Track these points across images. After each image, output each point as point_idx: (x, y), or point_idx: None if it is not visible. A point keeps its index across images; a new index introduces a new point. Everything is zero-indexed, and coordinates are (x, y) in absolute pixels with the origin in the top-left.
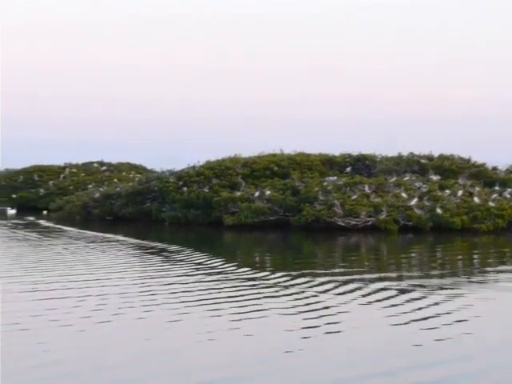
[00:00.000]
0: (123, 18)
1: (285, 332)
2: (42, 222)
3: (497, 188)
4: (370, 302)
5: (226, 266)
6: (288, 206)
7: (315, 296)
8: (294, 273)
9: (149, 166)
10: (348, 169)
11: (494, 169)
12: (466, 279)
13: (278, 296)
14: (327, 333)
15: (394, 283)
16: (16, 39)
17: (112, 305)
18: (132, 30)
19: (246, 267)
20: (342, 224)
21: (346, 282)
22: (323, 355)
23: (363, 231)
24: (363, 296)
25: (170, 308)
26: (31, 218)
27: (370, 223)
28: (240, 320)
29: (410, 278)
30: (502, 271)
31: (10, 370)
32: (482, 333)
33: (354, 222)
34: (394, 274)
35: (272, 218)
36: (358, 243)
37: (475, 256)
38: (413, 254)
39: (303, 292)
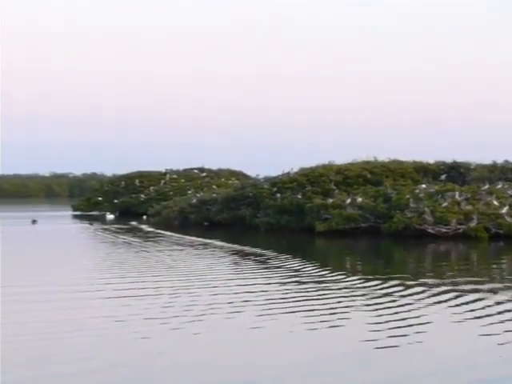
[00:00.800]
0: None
1: (365, 342)
2: (142, 226)
3: None
4: (462, 312)
5: (320, 272)
6: (379, 213)
7: (409, 304)
8: (385, 280)
9: (249, 173)
10: (443, 176)
11: None
12: None
13: (370, 304)
14: (410, 342)
15: (485, 293)
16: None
17: (223, 309)
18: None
19: (339, 274)
20: (432, 231)
21: (437, 291)
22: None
23: (453, 239)
24: (455, 306)
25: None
26: (132, 223)
27: (460, 231)
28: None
29: (502, 288)
30: None
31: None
32: None
33: (444, 230)
34: (484, 284)
35: (363, 224)
36: (448, 251)
37: None
38: (504, 263)
39: (395, 300)
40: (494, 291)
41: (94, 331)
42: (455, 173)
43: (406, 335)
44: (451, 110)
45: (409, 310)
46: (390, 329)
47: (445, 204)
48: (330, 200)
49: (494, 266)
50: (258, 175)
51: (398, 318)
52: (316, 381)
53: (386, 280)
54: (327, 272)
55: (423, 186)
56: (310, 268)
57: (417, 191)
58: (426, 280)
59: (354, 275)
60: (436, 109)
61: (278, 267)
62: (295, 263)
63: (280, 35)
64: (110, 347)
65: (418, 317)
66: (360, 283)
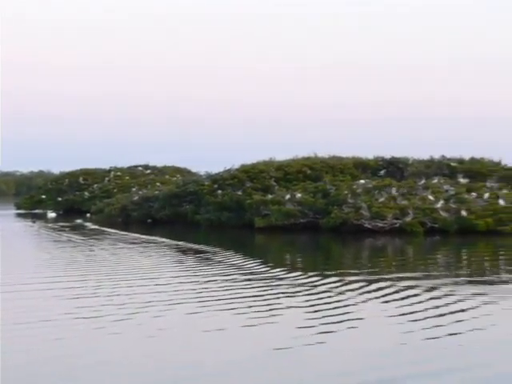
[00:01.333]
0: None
1: (296, 329)
2: (86, 224)
3: None
4: (389, 301)
5: (259, 268)
6: (318, 208)
7: (345, 300)
8: (321, 274)
9: (196, 170)
10: (382, 172)
11: None
12: (488, 280)
13: (303, 295)
14: (334, 331)
15: (417, 285)
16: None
17: (156, 307)
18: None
19: (278, 268)
20: (369, 226)
21: (374, 286)
22: (324, 353)
23: (390, 233)
24: (390, 301)
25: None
26: (78, 221)
27: (397, 225)
28: (255, 318)
29: (437, 283)
30: None
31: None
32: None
33: (381, 225)
34: (420, 279)
35: (302, 220)
36: (384, 245)
37: (499, 258)
38: (439, 257)
39: (329, 291)
40: (428, 286)
41: (16, 332)
42: (394, 168)
43: (335, 331)
44: (387, 106)
45: (345, 306)
46: (322, 324)
47: (381, 199)
48: (270, 196)
49: (430, 261)
50: (207, 172)
51: (332, 314)
52: (236, 379)
53: (324, 275)
54: (267, 268)
55: (361, 181)
56: (251, 264)
57: (355, 187)
58: (363, 275)
59: (293, 271)
60: (375, 105)
61: (220, 263)
62: (236, 259)
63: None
64: (23, 347)
65: (352, 312)
66: (299, 278)
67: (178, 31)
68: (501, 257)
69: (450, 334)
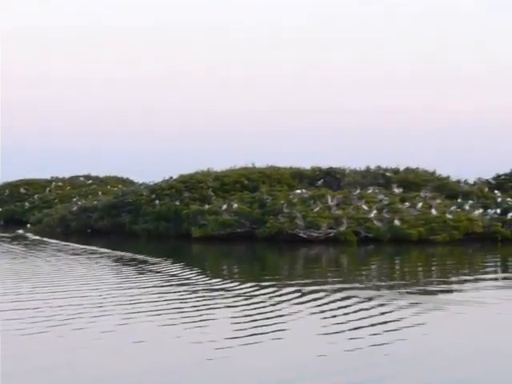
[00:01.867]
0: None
1: (223, 340)
2: (28, 235)
3: (459, 200)
4: (320, 312)
5: (195, 277)
6: (254, 218)
7: (272, 305)
8: (257, 283)
9: (138, 179)
10: (319, 182)
11: (458, 181)
12: (421, 290)
13: (237, 305)
14: (259, 342)
15: (351, 295)
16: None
17: (84, 318)
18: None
19: (214, 278)
20: (304, 236)
21: (307, 295)
22: (242, 364)
23: (325, 243)
24: (317, 306)
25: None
26: (19, 232)
27: (331, 235)
28: (188, 329)
29: (366, 289)
30: (451, 282)
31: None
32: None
33: (315, 234)
34: (350, 286)
35: (239, 230)
36: (318, 255)
37: (432, 267)
38: (371, 266)
39: (263, 301)
40: (361, 296)
41: None
42: (331, 178)
43: (260, 342)
44: (326, 115)
45: (277, 316)
46: (247, 336)
47: (316, 209)
48: (207, 206)
49: (363, 271)
50: (152, 181)
51: (262, 324)
52: None
53: (259, 285)
54: (203, 277)
55: (298, 191)
56: (187, 274)
57: (291, 196)
58: (297, 285)
59: (228, 280)
60: (315, 113)
61: (157, 273)
62: (172, 269)
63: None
64: None
65: (282, 323)
66: (234, 287)
67: None
68: (433, 266)
69: (376, 345)
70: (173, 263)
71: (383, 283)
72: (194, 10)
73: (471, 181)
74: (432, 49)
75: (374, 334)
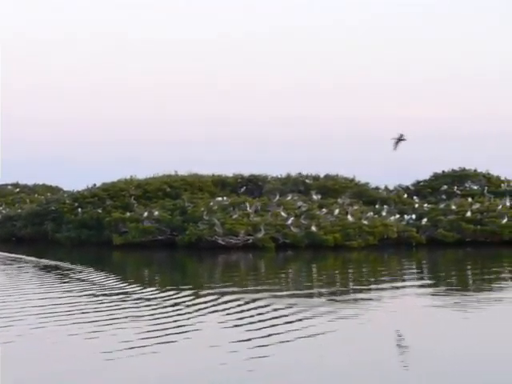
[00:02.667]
0: None
1: (123, 347)
2: None
3: (377, 206)
4: (234, 319)
5: (115, 284)
6: (175, 225)
7: (189, 313)
8: (172, 291)
9: (68, 187)
10: (242, 189)
11: (377, 188)
12: (333, 297)
13: (148, 314)
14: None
15: (264, 302)
16: None
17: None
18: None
19: (132, 284)
20: (223, 243)
21: (222, 300)
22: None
23: (243, 249)
24: (234, 313)
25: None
26: None
27: (250, 241)
28: (97, 331)
29: (277, 296)
30: (366, 289)
31: None
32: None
33: (234, 241)
34: (263, 293)
35: (160, 237)
36: (237, 261)
37: (348, 272)
38: (287, 272)
39: (179, 309)
40: (275, 302)
41: None
42: (253, 185)
43: (160, 351)
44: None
45: (189, 324)
46: (150, 345)
47: (235, 216)
48: (129, 214)
49: (280, 276)
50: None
51: (168, 333)
52: None
53: (176, 291)
54: (122, 284)
55: (219, 198)
56: (107, 280)
57: (211, 204)
58: (214, 291)
59: (148, 286)
60: (237, 123)
61: (77, 280)
62: (94, 276)
63: None
64: None
65: (193, 331)
66: (153, 293)
67: None
68: (349, 273)
69: (275, 354)
70: (95, 270)
71: (299, 291)
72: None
73: (392, 187)
74: (365, 60)
75: (282, 342)
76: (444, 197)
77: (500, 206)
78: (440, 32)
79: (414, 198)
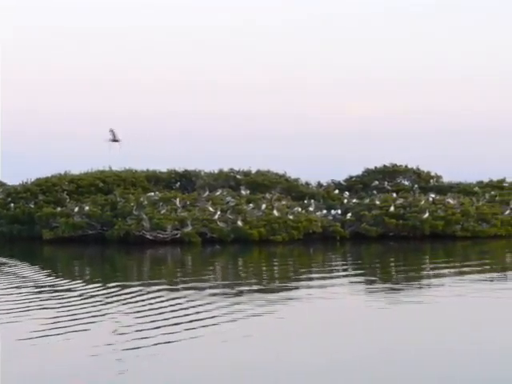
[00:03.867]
0: None
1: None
2: None
3: (305, 202)
4: (148, 310)
5: (43, 278)
6: (105, 220)
7: (103, 304)
8: (98, 285)
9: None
10: (176, 185)
11: (307, 183)
12: (250, 288)
13: (69, 305)
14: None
15: (184, 293)
16: None
17: None
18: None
19: (58, 278)
20: (151, 237)
21: (140, 293)
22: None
23: (171, 244)
24: (155, 309)
25: None
26: None
27: (177, 236)
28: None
29: (198, 288)
30: (288, 281)
31: None
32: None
33: (162, 236)
34: (185, 285)
35: (90, 232)
36: (164, 255)
37: (273, 266)
38: (212, 266)
39: (98, 301)
40: (193, 295)
41: None
42: (187, 181)
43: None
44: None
45: (100, 315)
46: (49, 335)
47: (163, 211)
48: (60, 209)
49: (206, 269)
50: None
51: (75, 324)
52: None
53: (101, 285)
54: (50, 278)
55: (151, 194)
56: (37, 275)
57: (141, 199)
58: (138, 285)
59: (73, 281)
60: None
61: (7, 274)
62: (24, 271)
63: None
64: None
65: (100, 321)
66: (76, 288)
67: None
68: (274, 266)
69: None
70: (27, 266)
71: (220, 282)
72: None
73: (325, 183)
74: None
75: (192, 338)
76: (375, 192)
77: (423, 201)
78: (374, 32)
79: (346, 193)
